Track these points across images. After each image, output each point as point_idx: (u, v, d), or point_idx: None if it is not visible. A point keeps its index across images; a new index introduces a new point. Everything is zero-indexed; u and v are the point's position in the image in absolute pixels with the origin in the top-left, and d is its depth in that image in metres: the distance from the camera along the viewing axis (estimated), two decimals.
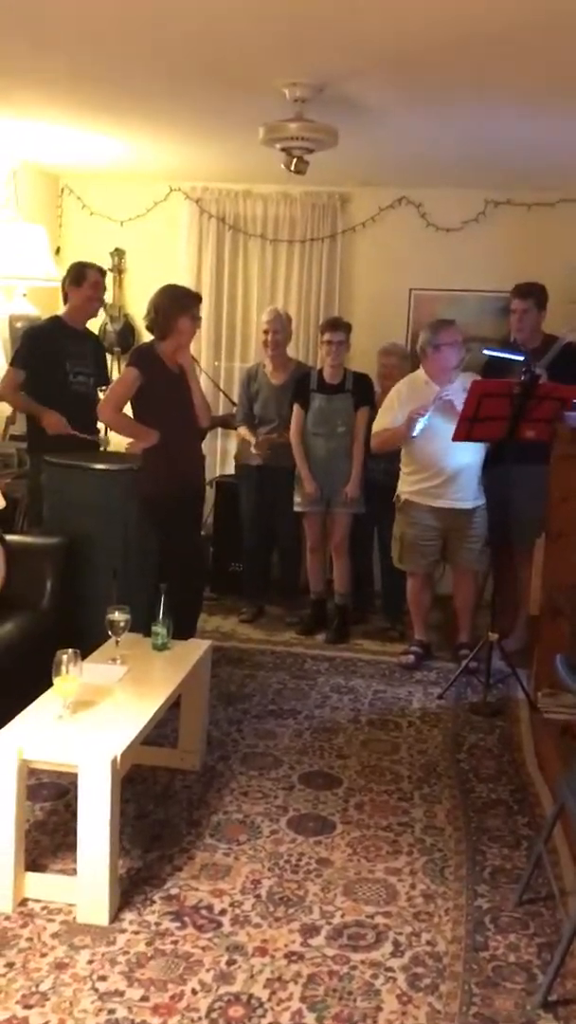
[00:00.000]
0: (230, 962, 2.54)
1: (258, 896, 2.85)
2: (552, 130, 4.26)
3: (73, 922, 2.69)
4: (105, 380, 5.14)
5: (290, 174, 4.07)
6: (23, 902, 2.77)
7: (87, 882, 2.70)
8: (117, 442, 5.29)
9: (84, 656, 3.06)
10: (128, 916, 2.73)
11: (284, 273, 6.19)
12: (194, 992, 2.42)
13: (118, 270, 6.25)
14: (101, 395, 4.91)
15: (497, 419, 4.16)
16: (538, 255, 5.71)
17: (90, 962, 2.53)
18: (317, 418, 5.14)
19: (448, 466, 4.63)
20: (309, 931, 2.69)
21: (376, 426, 4.84)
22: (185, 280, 5.86)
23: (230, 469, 5.99)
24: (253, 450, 5.37)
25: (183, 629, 3.78)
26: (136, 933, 2.66)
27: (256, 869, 3.00)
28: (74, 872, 2.77)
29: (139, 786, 3.47)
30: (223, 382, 6.16)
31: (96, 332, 5.66)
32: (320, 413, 5.14)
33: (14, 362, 4.82)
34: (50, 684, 2.92)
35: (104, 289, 5.08)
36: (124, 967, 2.51)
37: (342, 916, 2.77)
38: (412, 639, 5.07)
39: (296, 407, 5.19)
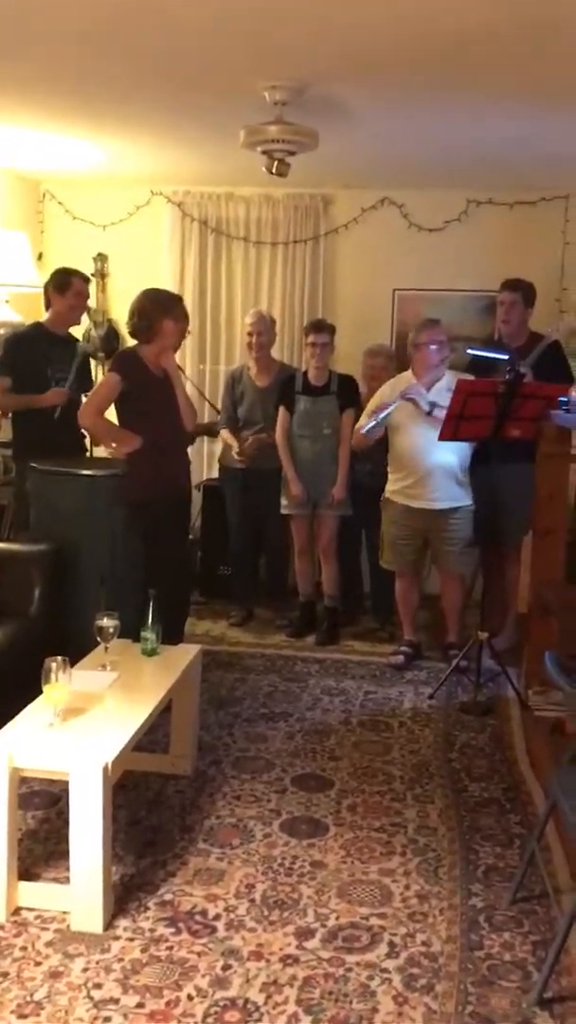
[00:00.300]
0: (225, 967, 2.54)
1: (252, 900, 2.85)
2: (532, 129, 4.28)
3: (67, 930, 2.69)
4: (88, 386, 5.13)
5: (272, 177, 4.07)
6: (16, 911, 2.76)
7: (80, 890, 2.69)
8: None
9: (73, 663, 3.04)
10: (122, 923, 2.73)
11: (267, 275, 6.19)
12: (190, 998, 2.41)
13: (101, 275, 6.24)
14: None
15: (483, 418, 4.17)
16: (520, 254, 5.73)
17: (85, 970, 2.52)
18: (302, 420, 5.14)
19: (421, 466, 4.65)
20: (304, 934, 2.69)
21: (358, 425, 4.87)
22: (168, 284, 5.86)
23: (217, 473, 5.98)
24: (236, 455, 5.37)
25: (171, 634, 3.77)
26: (131, 940, 2.65)
27: (250, 873, 2.99)
28: (67, 880, 2.76)
29: (131, 792, 3.46)
30: (207, 385, 6.15)
31: (80, 337, 5.64)
32: (305, 415, 5.14)
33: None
34: (40, 692, 2.91)
35: (87, 296, 5.07)
36: (119, 974, 2.50)
37: (337, 918, 2.77)
38: (401, 639, 5.07)
39: (281, 409, 5.19)
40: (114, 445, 4.32)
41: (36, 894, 2.81)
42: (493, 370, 4.59)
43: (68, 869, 2.74)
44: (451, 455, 4.60)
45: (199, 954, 2.59)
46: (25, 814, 3.25)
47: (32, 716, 2.96)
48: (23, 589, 4.03)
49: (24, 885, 2.81)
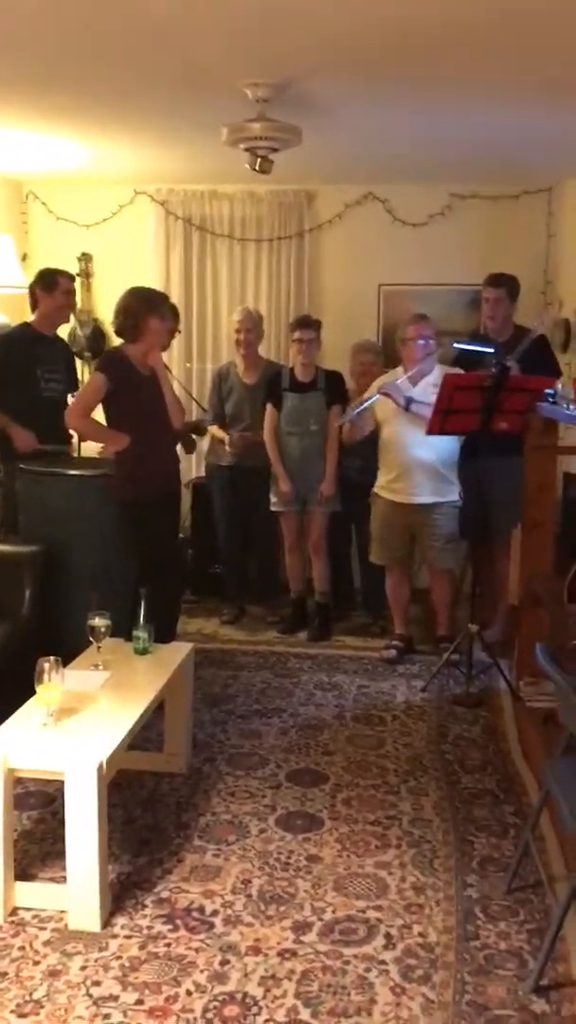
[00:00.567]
0: (223, 962, 2.55)
1: (249, 895, 2.86)
2: (514, 123, 4.29)
3: (65, 929, 2.69)
4: (76, 386, 5.12)
5: (255, 173, 4.07)
6: (13, 911, 2.76)
7: (77, 889, 2.70)
8: (88, 447, 5.29)
9: (66, 663, 3.05)
10: (120, 921, 2.74)
11: (253, 272, 6.19)
12: (189, 993, 2.42)
13: (86, 274, 6.23)
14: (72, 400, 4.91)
15: (470, 412, 4.18)
16: (504, 247, 5.76)
17: (83, 968, 2.53)
18: (290, 417, 5.15)
19: (402, 461, 4.67)
20: (301, 928, 2.70)
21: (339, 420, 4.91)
22: (153, 282, 5.84)
23: (204, 471, 5.97)
24: (228, 448, 5.36)
25: (163, 632, 3.77)
26: (128, 937, 2.66)
27: (246, 869, 3.01)
28: (64, 880, 2.77)
29: (126, 791, 3.46)
30: (194, 383, 6.15)
31: (66, 338, 5.63)
32: (293, 412, 5.14)
33: None
34: (33, 693, 2.91)
35: (75, 295, 5.06)
36: (118, 972, 2.51)
37: (333, 912, 2.79)
38: (393, 634, 5.09)
39: (269, 406, 5.19)
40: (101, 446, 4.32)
41: (33, 894, 2.82)
42: (480, 364, 4.62)
43: (64, 868, 2.75)
44: (433, 450, 4.60)
45: (197, 950, 2.60)
46: (20, 814, 3.25)
47: (26, 717, 2.96)
48: (14, 590, 4.03)
49: (21, 885, 2.81)
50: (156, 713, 3.37)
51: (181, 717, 3.65)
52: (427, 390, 4.49)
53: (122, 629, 3.54)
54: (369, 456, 4.95)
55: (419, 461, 4.63)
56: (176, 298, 5.86)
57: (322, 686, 4.59)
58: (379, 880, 2.95)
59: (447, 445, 4.63)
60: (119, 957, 2.57)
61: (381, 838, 3.20)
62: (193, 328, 6.24)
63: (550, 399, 4.01)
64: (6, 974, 2.50)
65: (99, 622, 3.35)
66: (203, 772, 3.66)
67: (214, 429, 5.48)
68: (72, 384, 5.09)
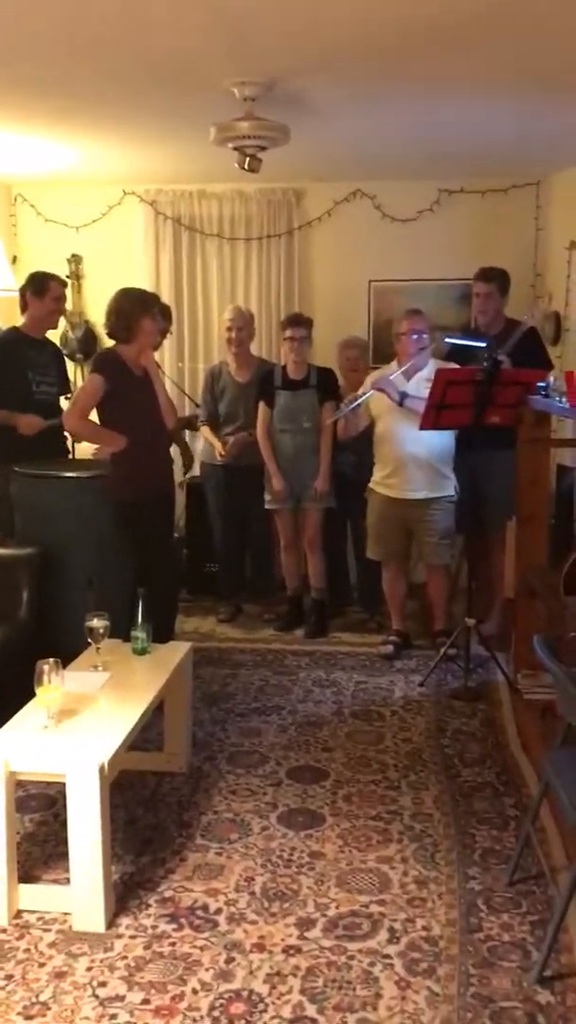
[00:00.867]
0: (229, 960, 2.56)
1: (252, 893, 2.87)
2: (500, 119, 4.29)
3: (69, 930, 2.70)
4: (67, 388, 5.12)
5: (243, 172, 4.07)
6: (18, 914, 2.77)
7: (81, 890, 2.71)
8: (82, 448, 5.29)
9: (65, 665, 3.05)
10: (124, 921, 2.74)
11: (243, 271, 6.19)
12: (195, 992, 2.43)
13: (76, 276, 6.22)
14: (64, 403, 4.90)
15: (463, 406, 4.19)
16: (494, 241, 5.77)
17: (89, 969, 2.53)
18: (283, 415, 5.15)
19: (397, 456, 4.69)
20: (305, 924, 2.71)
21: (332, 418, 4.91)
22: (144, 283, 5.84)
23: (199, 470, 5.97)
24: (218, 456, 5.36)
25: (161, 632, 3.78)
26: (133, 937, 2.67)
27: (249, 866, 3.02)
28: (67, 881, 2.78)
29: (127, 791, 3.47)
30: (187, 382, 6.15)
31: (58, 340, 5.63)
32: (286, 409, 5.15)
33: None
34: (32, 695, 2.91)
35: (65, 300, 5.06)
36: (123, 972, 2.52)
37: (337, 907, 2.80)
38: (390, 629, 5.10)
39: (261, 404, 5.20)
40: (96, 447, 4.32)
41: (37, 896, 2.82)
42: (472, 358, 4.62)
43: (68, 870, 2.75)
44: (427, 445, 4.61)
45: (202, 948, 2.61)
46: (22, 817, 3.26)
47: (26, 719, 2.96)
48: (11, 593, 4.03)
49: (25, 888, 2.82)
50: (156, 713, 3.37)
51: (181, 716, 3.66)
52: (421, 384, 4.50)
53: (120, 629, 3.55)
54: (363, 452, 4.96)
55: (414, 456, 4.64)
56: (167, 298, 5.87)
57: (320, 683, 4.60)
58: (381, 875, 2.96)
59: (442, 440, 4.64)
60: (124, 957, 2.58)
61: (383, 833, 3.21)
62: (184, 328, 6.24)
63: (542, 392, 4.02)
64: (12, 977, 2.50)
65: (97, 623, 3.36)
66: (204, 771, 3.67)
67: (207, 433, 5.48)
68: (64, 387, 5.09)
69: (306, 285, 6.17)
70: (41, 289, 4.85)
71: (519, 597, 4.47)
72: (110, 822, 2.78)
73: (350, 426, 4.85)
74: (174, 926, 2.72)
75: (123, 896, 2.85)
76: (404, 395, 4.55)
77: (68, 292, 5.36)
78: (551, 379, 4.05)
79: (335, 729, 4.07)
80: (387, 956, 2.57)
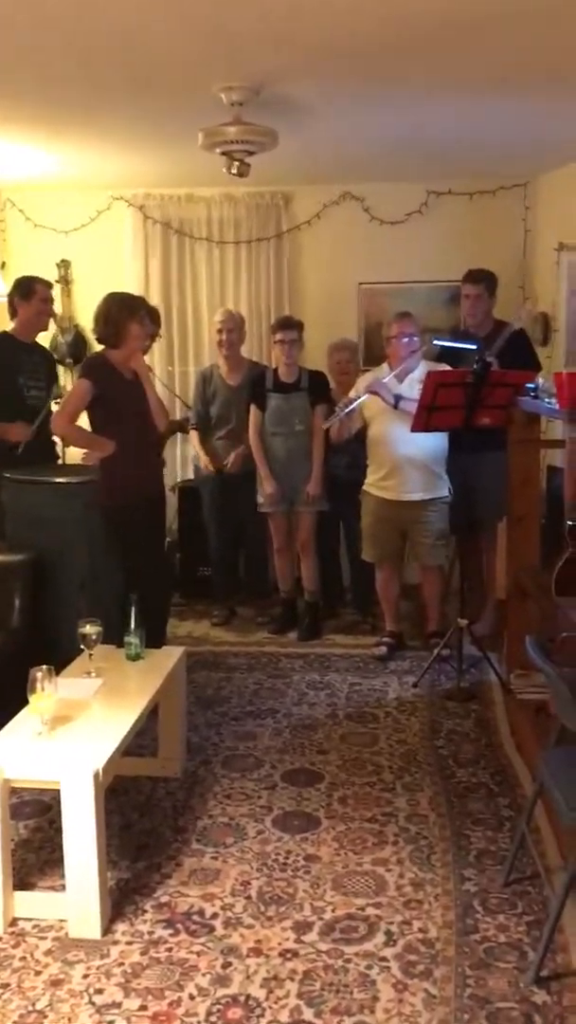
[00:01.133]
0: (225, 964, 2.56)
1: (248, 897, 2.87)
2: (488, 120, 4.30)
3: (65, 938, 2.69)
4: (57, 393, 5.11)
5: (232, 176, 4.07)
6: (13, 922, 2.76)
7: (77, 897, 2.70)
8: (72, 454, 5.28)
9: (58, 671, 3.05)
10: (120, 927, 2.74)
11: (232, 275, 6.19)
12: (192, 997, 2.43)
13: (65, 281, 6.21)
14: (55, 407, 4.89)
15: (454, 408, 4.20)
16: (482, 243, 5.78)
17: (85, 976, 2.53)
18: (275, 418, 5.15)
19: (392, 458, 4.69)
20: (302, 928, 2.71)
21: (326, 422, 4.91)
22: (133, 287, 5.85)
23: (192, 474, 5.98)
24: (204, 468, 5.37)
25: (153, 637, 3.78)
26: (129, 944, 2.67)
27: (245, 870, 3.01)
28: (62, 888, 2.77)
29: (122, 797, 3.47)
30: (177, 385, 6.15)
31: (48, 345, 5.62)
32: (278, 412, 5.15)
33: None
34: (25, 702, 2.91)
35: (53, 302, 5.06)
36: (120, 978, 2.51)
37: (333, 911, 2.80)
38: (384, 631, 5.10)
39: (253, 408, 5.19)
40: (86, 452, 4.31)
41: (32, 903, 2.82)
42: (461, 360, 4.64)
43: (63, 877, 2.75)
44: (422, 447, 4.61)
45: (198, 953, 2.61)
46: (17, 824, 3.25)
47: (19, 727, 2.96)
48: (3, 600, 4.02)
49: (20, 895, 2.81)
50: (150, 717, 3.37)
51: (175, 721, 3.65)
52: (413, 386, 4.51)
53: (112, 634, 3.54)
54: (356, 454, 4.97)
55: (408, 458, 4.65)
56: (156, 302, 5.87)
57: (314, 685, 4.60)
58: (377, 877, 2.97)
59: (436, 441, 4.65)
60: (121, 964, 2.58)
61: (378, 835, 3.22)
62: (174, 331, 6.24)
63: (531, 393, 4.04)
64: (8, 985, 2.50)
65: (90, 629, 3.36)
66: (198, 775, 3.67)
67: (196, 443, 5.48)
68: (54, 391, 5.08)
69: (296, 288, 6.17)
70: (28, 292, 4.86)
71: (511, 597, 4.48)
72: (105, 828, 2.77)
73: (344, 429, 4.84)
74: (170, 931, 2.71)
75: (119, 902, 2.85)
76: (398, 397, 4.55)
77: (57, 297, 5.37)
78: (540, 380, 4.06)
79: (329, 731, 4.07)
80: (384, 959, 2.57)
